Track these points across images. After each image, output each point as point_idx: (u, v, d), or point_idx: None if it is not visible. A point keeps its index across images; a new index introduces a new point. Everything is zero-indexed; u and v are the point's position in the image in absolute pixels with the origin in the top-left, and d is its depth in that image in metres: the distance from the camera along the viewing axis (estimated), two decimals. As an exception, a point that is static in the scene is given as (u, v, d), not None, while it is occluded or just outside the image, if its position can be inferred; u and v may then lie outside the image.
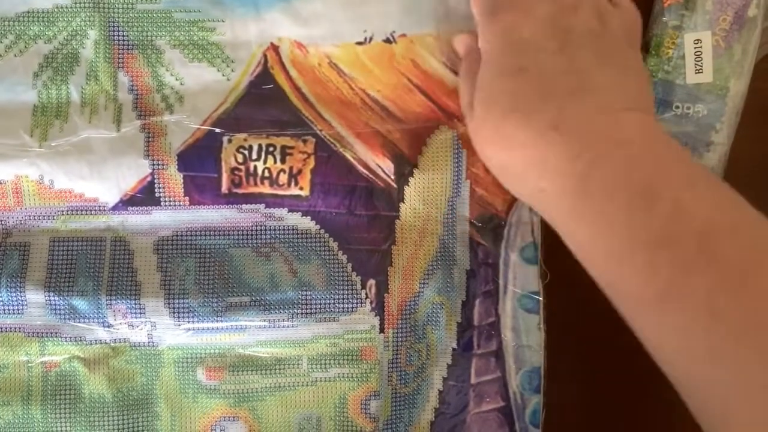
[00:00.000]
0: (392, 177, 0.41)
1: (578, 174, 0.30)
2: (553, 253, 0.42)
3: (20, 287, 0.39)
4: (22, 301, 0.39)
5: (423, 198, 0.41)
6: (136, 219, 0.40)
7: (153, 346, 0.40)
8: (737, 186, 0.42)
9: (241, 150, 0.40)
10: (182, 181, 0.40)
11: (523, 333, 0.41)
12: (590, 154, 0.30)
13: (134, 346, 0.40)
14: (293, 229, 0.41)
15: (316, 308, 0.40)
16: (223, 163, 0.40)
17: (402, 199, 0.41)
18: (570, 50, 0.32)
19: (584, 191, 0.30)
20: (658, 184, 0.29)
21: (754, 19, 0.40)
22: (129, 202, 0.40)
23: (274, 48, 0.40)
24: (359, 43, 0.40)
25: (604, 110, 0.31)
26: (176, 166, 0.40)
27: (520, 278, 0.41)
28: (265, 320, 0.40)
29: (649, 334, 0.31)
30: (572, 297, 0.43)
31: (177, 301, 0.40)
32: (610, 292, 0.32)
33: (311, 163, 0.40)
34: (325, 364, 0.41)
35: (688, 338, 0.29)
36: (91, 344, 0.40)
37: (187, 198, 0.40)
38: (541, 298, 0.41)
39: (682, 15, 0.41)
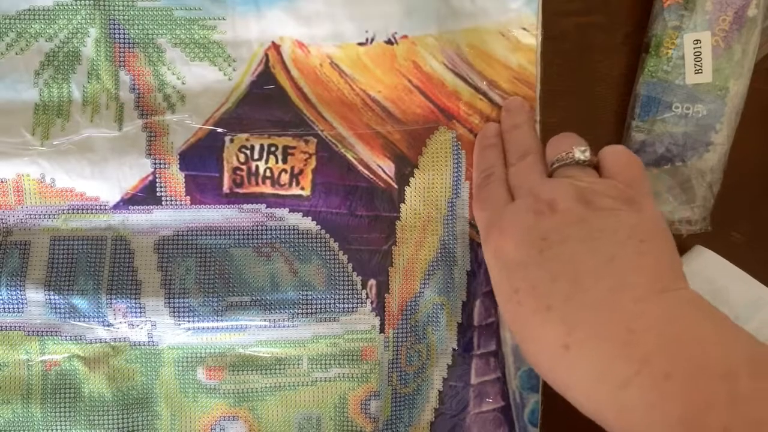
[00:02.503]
0: (393, 177, 0.41)
1: (611, 399, 0.28)
2: None
3: (20, 286, 0.39)
4: (22, 299, 0.39)
5: (423, 199, 0.41)
6: (137, 218, 0.40)
7: (153, 345, 0.40)
8: (737, 186, 0.42)
9: (242, 150, 0.40)
10: (184, 180, 0.40)
11: None
12: (614, 375, 0.28)
13: (134, 345, 0.40)
14: (294, 229, 0.41)
15: (316, 308, 0.40)
16: (224, 163, 0.40)
17: (402, 200, 0.41)
18: (552, 255, 0.31)
19: (621, 402, 0.28)
20: (696, 390, 0.27)
21: (754, 19, 0.40)
22: (130, 201, 0.40)
23: (276, 47, 0.40)
24: (361, 44, 0.40)
25: (611, 307, 0.29)
26: (178, 166, 0.40)
27: None
28: (265, 320, 0.40)
29: None
30: None
31: (177, 300, 0.39)
32: None
33: (312, 163, 0.40)
34: (326, 364, 0.41)
35: None
36: (91, 343, 0.40)
37: (188, 197, 0.40)
38: None
39: (682, 15, 0.41)
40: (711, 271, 0.41)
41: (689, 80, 0.41)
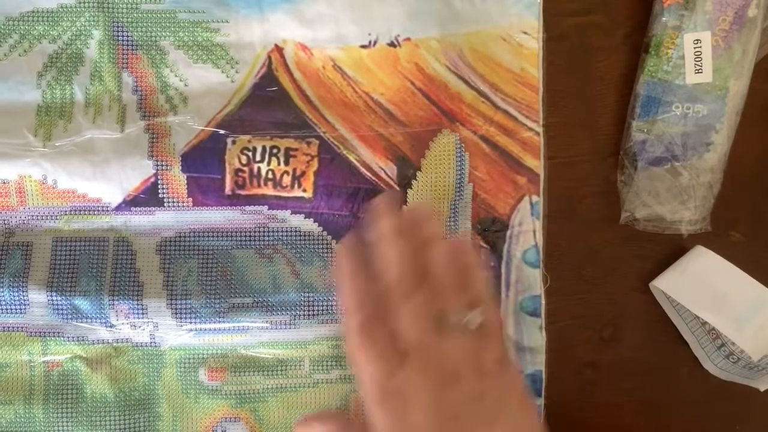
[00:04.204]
0: (395, 180, 0.41)
1: None
2: (554, 257, 0.42)
3: (23, 287, 0.39)
4: (24, 300, 0.39)
5: (425, 201, 0.41)
6: (139, 219, 0.40)
7: (155, 346, 0.40)
8: (737, 186, 0.43)
9: (245, 151, 0.40)
10: (186, 182, 0.40)
11: (524, 335, 0.41)
12: None
13: (136, 346, 0.40)
14: (296, 231, 0.41)
15: (318, 310, 0.40)
16: (226, 165, 0.40)
17: (405, 202, 0.41)
18: (459, 427, 0.32)
19: None
20: None
21: (754, 20, 0.40)
22: (132, 202, 0.40)
23: (279, 50, 0.40)
24: (363, 47, 0.40)
25: None
26: (180, 167, 0.40)
27: (522, 281, 0.41)
28: (267, 321, 0.40)
29: None
30: (572, 300, 0.43)
31: (179, 301, 0.40)
32: None
33: (315, 165, 0.40)
34: (327, 365, 0.41)
35: None
36: (93, 344, 0.40)
37: (190, 199, 0.40)
38: (543, 301, 0.41)
39: (682, 15, 0.41)
40: (711, 272, 0.41)
41: (689, 80, 0.41)
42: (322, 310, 0.40)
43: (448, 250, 0.34)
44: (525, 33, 0.41)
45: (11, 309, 0.39)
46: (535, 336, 0.41)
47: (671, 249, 0.43)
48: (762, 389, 0.41)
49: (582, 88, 0.43)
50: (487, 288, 0.35)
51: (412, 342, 0.33)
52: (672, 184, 0.42)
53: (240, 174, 0.40)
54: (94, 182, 0.40)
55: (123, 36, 0.40)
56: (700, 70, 0.40)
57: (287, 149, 0.40)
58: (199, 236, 0.40)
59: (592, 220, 0.43)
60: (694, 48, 0.40)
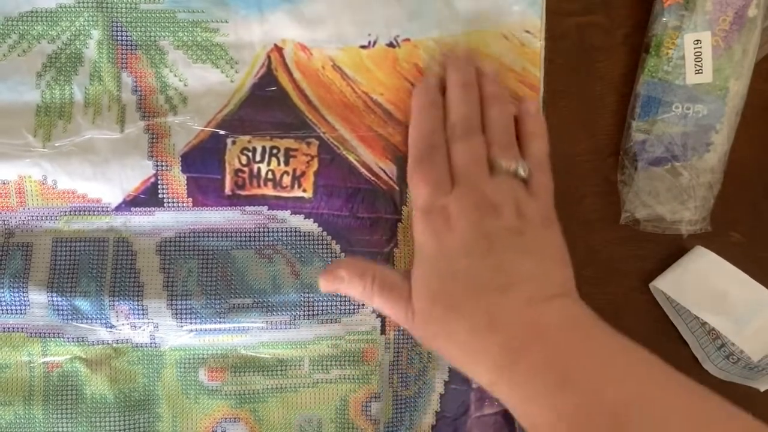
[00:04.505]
0: (394, 180, 0.41)
1: (508, 364, 0.33)
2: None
3: (23, 287, 0.39)
4: (24, 301, 0.39)
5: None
6: (139, 220, 0.40)
7: (155, 347, 0.40)
8: (737, 186, 0.43)
9: (244, 152, 0.40)
10: (186, 182, 0.40)
11: None
12: (517, 345, 0.33)
13: (136, 346, 0.40)
14: (296, 231, 0.41)
15: (318, 310, 0.40)
16: (226, 165, 0.40)
17: (404, 202, 0.41)
18: (495, 251, 0.35)
19: (512, 379, 0.33)
20: (573, 371, 0.32)
21: (754, 20, 0.40)
22: (132, 203, 0.40)
23: (278, 50, 0.40)
24: (363, 47, 0.40)
25: (529, 302, 0.34)
26: (180, 168, 0.40)
27: None
28: (267, 322, 0.40)
29: None
30: None
31: (179, 302, 0.40)
32: None
33: (314, 165, 0.40)
34: (327, 365, 0.41)
35: None
36: (93, 345, 0.40)
37: (190, 199, 0.40)
38: None
39: (682, 15, 0.41)
40: (711, 273, 0.42)
41: (689, 80, 0.41)
42: (322, 311, 0.40)
43: (509, 111, 0.39)
44: (527, 32, 0.41)
45: (11, 310, 0.39)
46: None
47: (671, 249, 0.43)
48: (762, 389, 0.41)
49: (582, 88, 0.43)
50: (544, 155, 0.39)
51: (463, 174, 0.37)
52: (672, 184, 0.42)
53: (240, 174, 0.40)
54: (94, 182, 0.39)
55: (122, 36, 0.40)
56: (700, 71, 0.41)
57: (287, 149, 0.40)
58: (199, 237, 0.40)
59: (592, 220, 0.43)
60: (694, 48, 0.40)
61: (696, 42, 0.40)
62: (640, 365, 0.33)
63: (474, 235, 0.35)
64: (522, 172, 0.38)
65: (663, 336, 0.43)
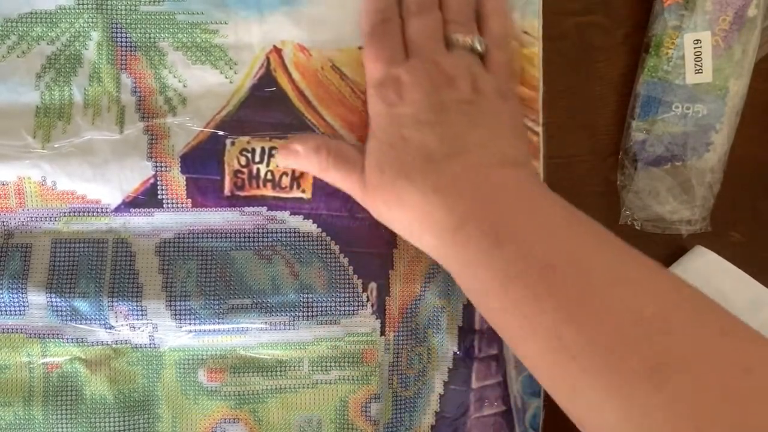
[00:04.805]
0: (394, 180, 0.41)
1: (453, 227, 0.34)
2: None
3: (22, 288, 0.39)
4: (23, 302, 0.39)
5: None
6: (138, 221, 0.40)
7: (154, 347, 0.40)
8: (737, 186, 0.43)
9: (244, 153, 0.40)
10: (185, 183, 0.40)
11: None
12: (462, 209, 0.34)
13: (136, 347, 0.40)
14: (295, 232, 0.41)
15: (317, 311, 0.40)
16: (225, 166, 0.40)
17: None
18: (446, 120, 0.36)
19: (456, 242, 0.34)
20: (508, 230, 0.33)
21: (754, 19, 0.40)
22: (131, 204, 0.40)
23: (277, 51, 0.40)
24: (361, 47, 0.40)
25: (476, 169, 0.35)
26: (179, 169, 0.40)
27: None
28: (266, 323, 0.40)
29: (527, 364, 0.34)
30: None
31: (178, 303, 0.39)
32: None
33: None
34: (326, 366, 0.41)
35: (549, 372, 0.32)
36: (92, 345, 0.40)
37: (189, 200, 0.40)
38: None
39: (682, 15, 0.41)
40: (711, 272, 0.42)
41: (689, 80, 0.41)
42: (321, 311, 0.40)
43: None
44: (525, 33, 0.41)
45: (10, 311, 0.39)
46: None
47: (671, 249, 0.43)
48: None
49: (582, 88, 0.43)
50: (502, 33, 0.40)
51: (417, 48, 0.37)
52: (672, 184, 0.42)
53: (239, 175, 0.40)
54: (94, 184, 0.39)
55: (122, 37, 0.40)
56: (700, 70, 0.41)
57: None
58: (198, 237, 0.40)
59: None
60: (694, 48, 0.41)
61: (696, 42, 0.40)
62: (577, 226, 0.34)
63: (426, 104, 0.36)
64: (478, 47, 0.38)
65: None
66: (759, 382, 0.27)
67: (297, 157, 0.39)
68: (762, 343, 0.29)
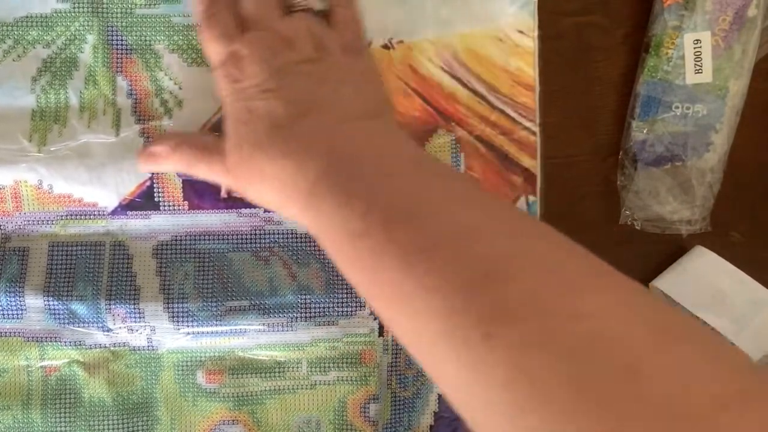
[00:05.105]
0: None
1: (306, 191, 0.33)
2: None
3: (19, 292, 0.39)
4: (21, 305, 0.39)
5: None
6: (135, 223, 0.40)
7: (153, 349, 0.40)
8: (737, 186, 0.43)
9: None
10: (181, 185, 0.40)
11: None
12: (314, 171, 0.33)
13: (134, 350, 0.40)
14: (292, 233, 0.41)
15: (315, 312, 0.40)
16: (222, 168, 0.40)
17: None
18: (289, 84, 0.35)
19: (310, 204, 0.33)
20: (353, 186, 0.32)
21: (754, 19, 0.40)
22: (128, 206, 0.40)
23: (272, 51, 0.40)
24: None
25: (325, 127, 0.34)
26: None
27: None
28: (264, 324, 0.40)
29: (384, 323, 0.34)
30: None
31: (176, 305, 0.40)
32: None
33: None
34: (325, 367, 0.41)
35: (401, 328, 0.31)
36: (90, 348, 0.40)
37: (186, 202, 0.40)
38: None
39: (682, 15, 0.41)
40: (711, 272, 0.42)
41: (689, 80, 0.41)
42: (319, 312, 0.40)
43: None
44: (520, 32, 0.41)
45: (8, 314, 0.39)
46: None
47: (671, 249, 0.43)
48: None
49: (582, 88, 0.43)
50: None
51: (252, 20, 0.36)
52: (672, 184, 0.42)
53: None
54: (90, 187, 0.39)
55: (117, 40, 0.40)
56: (700, 70, 0.40)
57: None
58: (195, 239, 0.40)
59: (592, 220, 0.43)
60: (694, 48, 0.40)
61: (696, 42, 0.40)
62: (425, 171, 0.33)
63: (267, 72, 0.35)
64: (318, 4, 0.37)
65: None
66: (589, 327, 0.26)
67: (157, 160, 0.38)
68: (604, 290, 0.28)
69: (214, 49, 0.36)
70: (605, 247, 0.42)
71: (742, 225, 0.44)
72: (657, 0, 0.41)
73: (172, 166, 0.38)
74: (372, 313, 0.40)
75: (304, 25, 0.36)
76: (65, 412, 0.40)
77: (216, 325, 0.40)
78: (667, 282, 0.42)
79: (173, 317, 0.40)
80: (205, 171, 0.37)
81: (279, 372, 0.41)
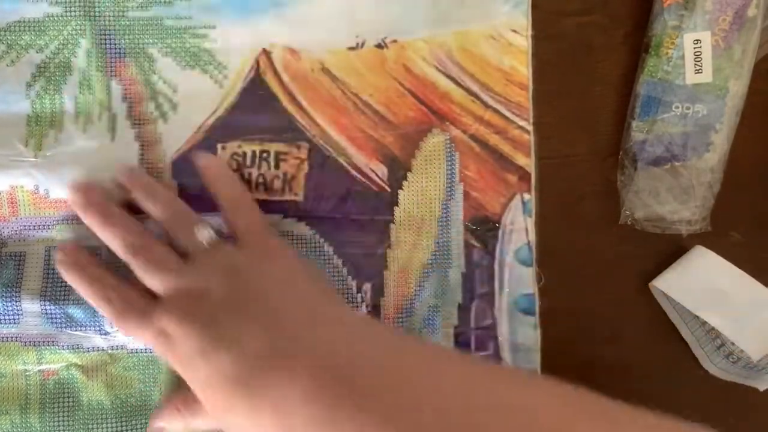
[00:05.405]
0: (386, 181, 0.41)
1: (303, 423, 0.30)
2: (554, 257, 0.42)
3: (16, 297, 0.39)
4: (17, 310, 0.39)
5: (417, 201, 0.41)
6: (132, 227, 0.40)
7: (151, 352, 0.40)
8: (737, 186, 0.42)
9: (235, 157, 0.40)
10: (177, 189, 0.40)
11: (518, 334, 0.41)
12: (301, 416, 0.30)
13: (132, 352, 0.40)
14: (288, 234, 0.40)
15: (312, 314, 0.40)
16: (217, 171, 0.40)
17: (396, 203, 0.41)
18: (221, 335, 0.33)
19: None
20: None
21: (754, 19, 0.40)
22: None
23: (267, 54, 0.40)
24: (351, 49, 0.40)
25: (287, 362, 0.31)
26: (171, 174, 0.40)
27: (515, 280, 0.41)
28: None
29: None
30: (572, 300, 0.43)
31: None
32: None
33: (305, 168, 0.40)
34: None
35: None
36: (88, 351, 0.40)
37: None
38: (537, 299, 0.41)
39: (682, 15, 0.40)
40: (711, 272, 0.41)
41: (689, 80, 0.41)
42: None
43: (159, 189, 0.38)
44: (514, 31, 0.41)
45: (5, 319, 0.39)
46: (530, 334, 0.41)
47: (671, 249, 0.43)
48: (761, 389, 0.41)
49: (582, 88, 0.43)
50: (234, 196, 0.38)
51: (156, 290, 0.35)
52: (672, 184, 0.42)
53: (231, 179, 0.40)
54: (86, 191, 0.40)
55: (111, 44, 0.40)
56: (700, 70, 0.40)
57: (277, 153, 0.40)
58: (191, 243, 0.40)
59: (592, 220, 0.43)
60: (694, 48, 0.40)
61: (696, 42, 0.40)
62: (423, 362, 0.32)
63: (195, 337, 0.33)
64: (207, 235, 0.36)
65: (663, 336, 0.43)
66: None
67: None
68: None
69: (141, 339, 0.36)
70: (605, 247, 0.43)
71: (742, 225, 0.43)
72: (657, 0, 0.41)
73: (180, 428, 0.38)
74: (368, 313, 0.40)
75: (207, 265, 0.35)
76: (64, 416, 0.40)
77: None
78: (667, 282, 0.42)
79: (170, 320, 0.40)
80: (201, 424, 0.37)
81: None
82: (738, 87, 0.41)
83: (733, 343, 0.41)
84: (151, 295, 0.36)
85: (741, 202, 0.43)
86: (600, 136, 0.43)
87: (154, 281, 0.35)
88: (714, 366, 0.43)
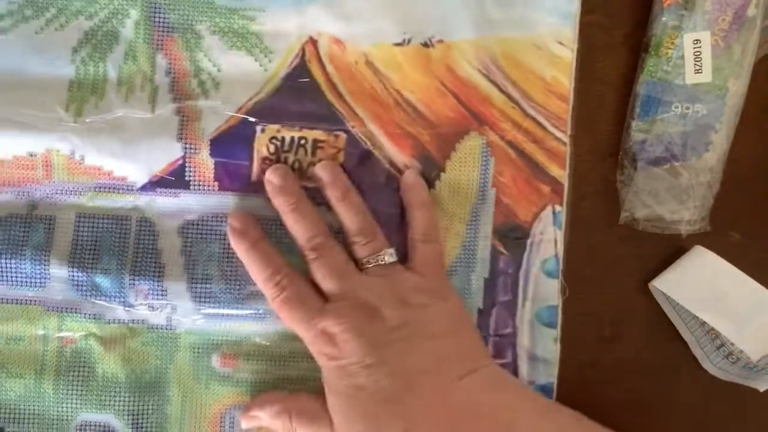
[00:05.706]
0: (419, 177, 0.41)
1: None
2: (573, 269, 0.42)
3: (44, 260, 0.38)
4: (45, 274, 0.38)
5: (447, 202, 0.41)
6: (164, 201, 0.40)
7: (170, 329, 0.40)
8: (737, 186, 0.43)
9: (273, 141, 0.40)
10: (213, 166, 0.40)
11: (539, 346, 0.42)
12: None
13: (151, 328, 0.40)
14: None
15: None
16: (254, 152, 0.40)
17: (427, 198, 0.41)
18: (387, 355, 0.35)
19: None
20: None
21: (754, 19, 0.41)
22: (158, 183, 0.40)
23: (313, 42, 0.41)
24: (397, 44, 0.41)
25: (434, 395, 0.35)
26: (208, 151, 0.40)
27: (540, 291, 0.42)
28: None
29: None
30: (572, 300, 0.43)
31: (199, 285, 0.39)
32: None
33: (340, 158, 0.40)
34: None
35: None
36: (109, 323, 0.39)
37: (216, 183, 0.40)
38: (560, 312, 0.42)
39: (682, 15, 0.41)
40: (711, 273, 0.42)
41: (689, 80, 0.41)
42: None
43: (355, 200, 0.39)
44: (560, 43, 0.41)
45: (31, 282, 0.38)
46: (550, 347, 0.42)
47: (671, 249, 0.43)
48: (761, 389, 0.41)
49: (581, 88, 0.43)
50: (427, 225, 0.39)
51: (329, 290, 0.37)
52: (672, 184, 0.42)
53: (267, 162, 0.40)
54: (122, 160, 0.39)
55: (159, 18, 0.40)
56: (699, 70, 0.41)
57: (315, 141, 0.40)
58: (221, 222, 0.40)
59: (592, 220, 0.43)
60: (694, 48, 0.41)
61: (695, 42, 0.41)
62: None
63: (362, 348, 0.35)
64: (389, 259, 0.38)
65: (663, 336, 0.43)
66: None
67: (261, 422, 0.39)
68: None
69: (299, 329, 0.37)
70: (605, 247, 0.43)
71: (742, 225, 0.44)
72: (657, 0, 0.42)
73: (276, 428, 0.39)
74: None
75: (384, 284, 0.37)
76: (77, 385, 0.39)
77: (237, 308, 0.39)
78: (667, 282, 0.42)
79: (195, 297, 0.39)
80: None
81: (293, 361, 0.41)
82: (737, 87, 0.41)
83: (732, 343, 0.42)
84: (319, 293, 0.37)
85: (741, 202, 0.44)
86: (600, 136, 0.43)
87: (329, 283, 0.37)
88: (713, 366, 0.43)
